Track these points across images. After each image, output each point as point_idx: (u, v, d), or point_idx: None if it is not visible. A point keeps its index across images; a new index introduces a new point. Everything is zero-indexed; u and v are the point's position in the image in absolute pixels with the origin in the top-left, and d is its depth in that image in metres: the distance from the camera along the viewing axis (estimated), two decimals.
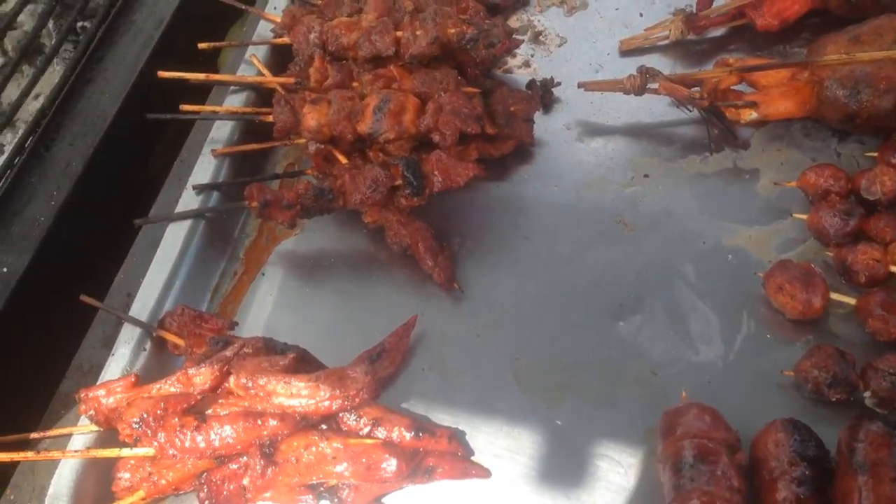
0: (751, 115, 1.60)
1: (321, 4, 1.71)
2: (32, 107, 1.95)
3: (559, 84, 1.75)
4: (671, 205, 1.60)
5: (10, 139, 1.93)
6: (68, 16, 2.17)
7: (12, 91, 1.89)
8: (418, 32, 1.58)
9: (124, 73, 1.77)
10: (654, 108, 1.71)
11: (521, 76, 1.80)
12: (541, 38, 1.85)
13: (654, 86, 1.65)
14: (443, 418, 1.40)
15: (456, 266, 1.54)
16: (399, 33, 1.60)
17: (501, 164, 1.67)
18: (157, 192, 1.65)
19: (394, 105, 1.54)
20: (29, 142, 1.71)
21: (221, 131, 1.65)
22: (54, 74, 2.12)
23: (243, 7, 1.79)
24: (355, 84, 1.62)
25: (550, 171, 1.66)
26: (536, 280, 1.53)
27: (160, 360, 1.44)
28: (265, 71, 1.66)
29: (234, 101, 1.68)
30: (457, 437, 1.34)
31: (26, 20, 2.27)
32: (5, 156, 1.87)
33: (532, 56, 1.82)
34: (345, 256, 1.59)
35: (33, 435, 1.34)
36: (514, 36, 1.70)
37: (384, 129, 1.53)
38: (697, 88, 1.65)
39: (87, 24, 2.14)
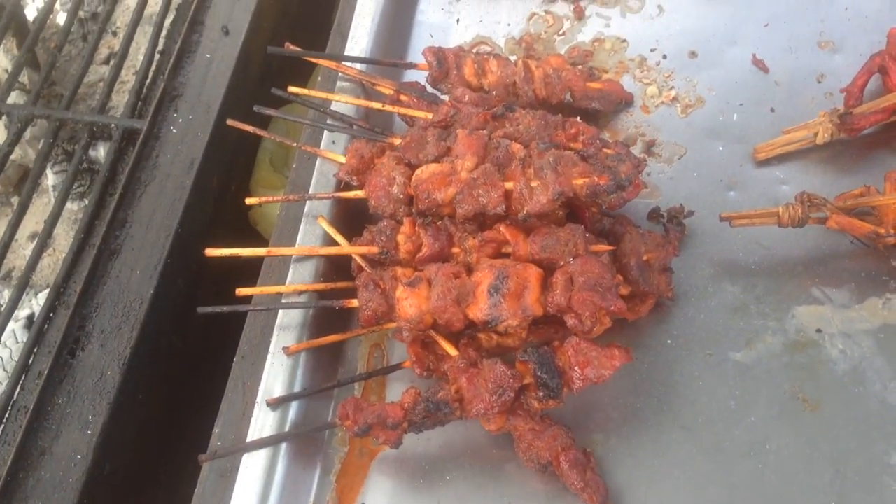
0: None
1: (398, 145, 1.37)
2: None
3: (692, 214, 1.43)
4: (859, 370, 1.29)
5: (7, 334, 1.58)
6: (63, 146, 1.84)
7: None
8: (534, 184, 1.26)
9: (154, 240, 1.44)
10: (811, 233, 1.40)
11: (638, 201, 1.47)
12: (654, 148, 1.53)
13: (820, 215, 1.34)
14: None
15: (603, 475, 1.23)
16: (508, 185, 1.27)
17: (635, 327, 1.35)
18: (207, 391, 1.33)
19: (513, 283, 1.22)
20: (38, 338, 1.38)
21: (290, 316, 1.32)
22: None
23: (293, 144, 1.45)
24: (456, 250, 1.30)
25: (697, 332, 1.35)
26: (709, 486, 1.23)
27: None
28: (339, 238, 1.33)
29: (301, 273, 1.35)
30: None
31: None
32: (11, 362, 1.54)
33: (648, 174, 1.50)
34: (464, 468, 1.27)
35: None
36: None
37: (504, 315, 1.21)
38: (867, 209, 1.35)
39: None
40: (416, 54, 1.65)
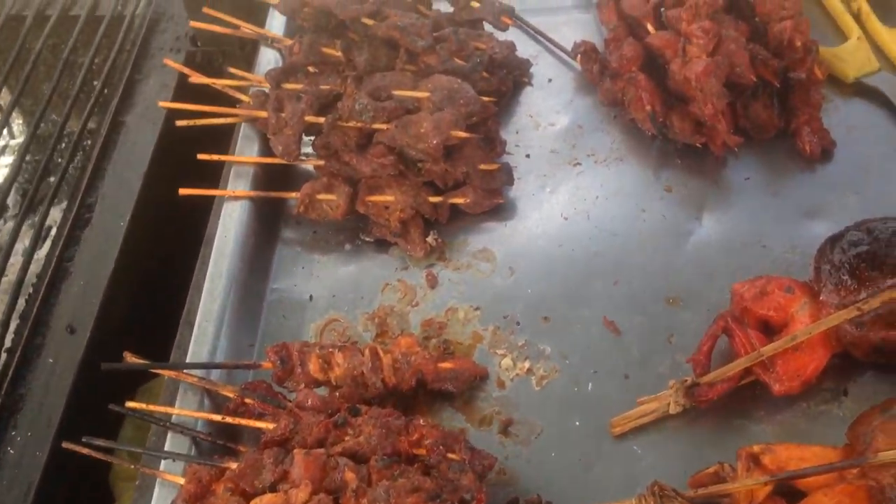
0: None
1: (233, 470, 1.31)
2: None
3: None
4: None
5: None
6: None
7: None
8: None
9: None
10: None
11: (497, 489, 1.42)
12: (511, 428, 1.49)
13: None
14: None
15: None
16: None
17: None
18: None
19: None
20: None
21: None
22: None
23: (131, 466, 1.39)
24: None
25: None
26: None
27: None
28: None
29: None
30: None
31: None
32: None
33: (506, 459, 1.46)
34: None
35: None
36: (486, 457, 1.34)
37: None
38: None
39: None
40: (268, 338, 1.62)
